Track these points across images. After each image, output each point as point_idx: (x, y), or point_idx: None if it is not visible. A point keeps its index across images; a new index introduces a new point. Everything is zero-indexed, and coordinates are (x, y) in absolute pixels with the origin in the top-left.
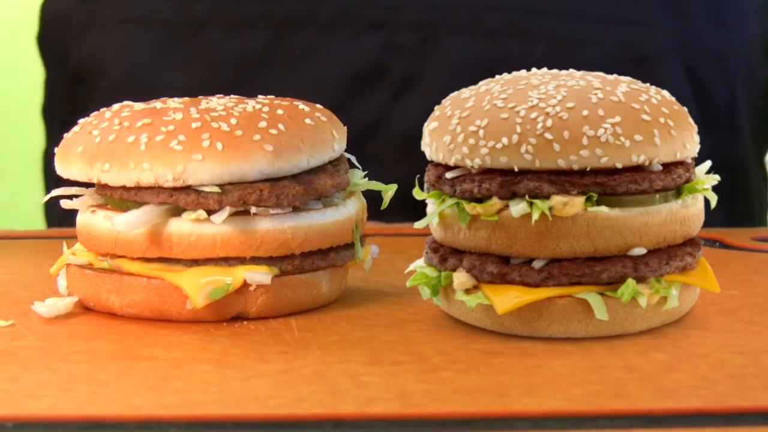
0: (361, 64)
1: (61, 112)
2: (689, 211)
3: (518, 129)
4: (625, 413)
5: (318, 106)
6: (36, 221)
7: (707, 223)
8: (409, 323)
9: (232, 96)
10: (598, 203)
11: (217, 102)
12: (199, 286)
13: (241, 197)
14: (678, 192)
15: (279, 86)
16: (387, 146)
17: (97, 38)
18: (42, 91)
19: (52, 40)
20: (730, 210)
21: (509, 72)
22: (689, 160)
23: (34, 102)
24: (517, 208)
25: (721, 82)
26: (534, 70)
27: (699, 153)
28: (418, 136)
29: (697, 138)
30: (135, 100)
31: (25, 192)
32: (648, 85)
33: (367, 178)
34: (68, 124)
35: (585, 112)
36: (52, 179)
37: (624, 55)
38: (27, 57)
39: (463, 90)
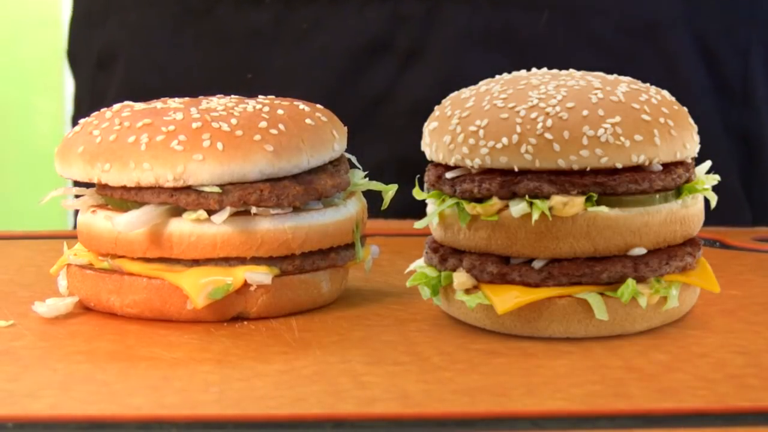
0: (367, 35)
1: (88, 103)
2: (689, 211)
3: (518, 129)
4: (625, 413)
5: (318, 106)
6: (62, 221)
7: (726, 207)
8: (409, 323)
9: (232, 96)
10: (598, 203)
11: (217, 102)
12: (199, 287)
13: (241, 197)
14: (678, 192)
15: (288, 59)
16: (394, 116)
17: (114, 22)
18: (72, 105)
19: (79, 46)
20: (748, 186)
21: (515, 41)
22: (689, 160)
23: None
24: (517, 208)
25: (733, 53)
26: (534, 70)
27: (713, 121)
28: (425, 105)
29: (697, 138)
30: (151, 79)
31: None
32: (648, 84)
33: (367, 179)
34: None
35: (585, 112)
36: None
37: (631, 24)
38: (43, 63)
39: (463, 90)
